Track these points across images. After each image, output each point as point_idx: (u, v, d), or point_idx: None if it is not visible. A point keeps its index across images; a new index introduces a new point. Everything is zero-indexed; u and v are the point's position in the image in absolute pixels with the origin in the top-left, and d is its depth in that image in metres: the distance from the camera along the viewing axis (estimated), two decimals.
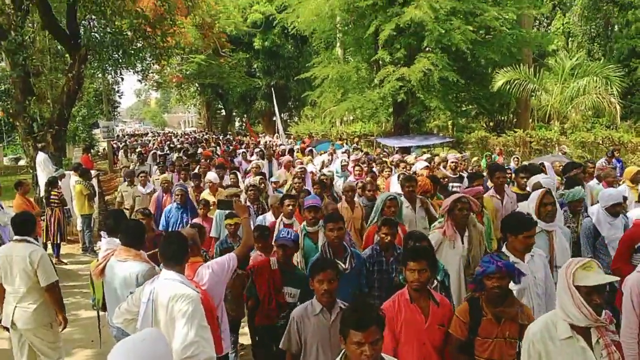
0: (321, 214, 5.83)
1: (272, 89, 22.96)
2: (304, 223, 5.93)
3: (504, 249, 4.59)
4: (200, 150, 21.10)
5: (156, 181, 11.88)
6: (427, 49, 20.18)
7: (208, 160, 14.52)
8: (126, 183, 11.39)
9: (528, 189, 7.49)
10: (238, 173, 11.59)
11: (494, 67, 22.77)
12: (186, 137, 41.74)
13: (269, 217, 7.51)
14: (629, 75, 24.83)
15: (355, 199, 8.15)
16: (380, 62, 21.98)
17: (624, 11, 27.36)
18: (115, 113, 38.34)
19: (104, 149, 32.57)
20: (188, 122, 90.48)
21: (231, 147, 22.15)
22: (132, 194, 10.90)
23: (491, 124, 30.45)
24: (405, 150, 20.19)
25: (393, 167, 12.40)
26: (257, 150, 18.02)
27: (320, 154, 16.97)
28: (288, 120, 46.39)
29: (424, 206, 7.11)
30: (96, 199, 12.73)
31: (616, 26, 30.32)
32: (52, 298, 5.21)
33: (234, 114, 52.09)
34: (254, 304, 5.14)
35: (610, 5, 29.79)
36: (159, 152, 20.02)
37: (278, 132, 23.41)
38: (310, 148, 18.83)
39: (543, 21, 38.12)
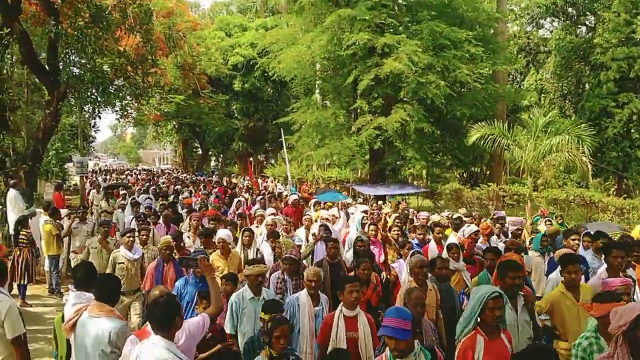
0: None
1: (281, 130, 20.89)
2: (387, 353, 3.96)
3: None
4: (186, 194, 18.31)
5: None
6: (404, 99, 20.65)
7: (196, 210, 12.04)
8: (97, 239, 9.14)
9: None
10: (254, 231, 9.29)
11: (469, 120, 23.32)
12: (168, 176, 37.21)
13: (303, 298, 5.70)
14: (600, 134, 25.55)
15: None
16: (359, 110, 22.35)
17: (595, 71, 28.32)
18: (90, 148, 37.90)
19: (75, 184, 31.95)
20: (163, 159, 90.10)
21: (226, 193, 19.06)
22: (113, 260, 8.07)
23: (465, 175, 30.93)
24: (380, 198, 20.37)
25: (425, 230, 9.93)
26: (259, 198, 15.54)
27: (326, 207, 14.15)
28: (264, 162, 46.51)
29: (529, 305, 5.10)
30: (66, 238, 12.46)
31: (587, 85, 31.32)
32: (18, 352, 5.02)
33: (210, 153, 52.09)
34: None
35: (582, 65, 30.84)
36: (142, 199, 15.93)
37: (285, 179, 18.70)
38: (315, 200, 16.02)
39: (517, 77, 39.29)
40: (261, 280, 5.84)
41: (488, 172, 29.13)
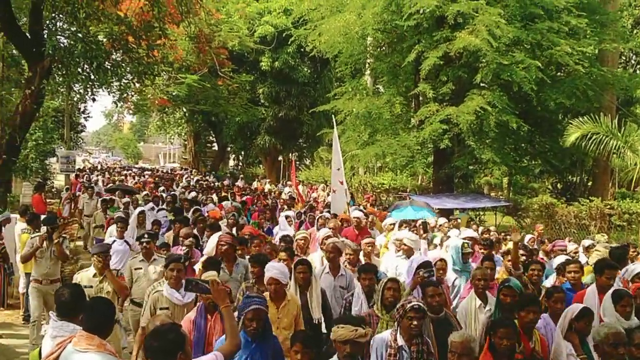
0: None
1: (332, 117, 18.29)
2: None
3: None
4: (211, 205, 17.70)
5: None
6: (482, 84, 20.34)
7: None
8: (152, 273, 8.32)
9: None
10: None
11: (567, 113, 22.82)
12: (180, 177, 37.13)
13: None
14: None
15: None
16: (421, 97, 22.14)
17: None
18: (79, 139, 38.61)
19: (51, 184, 32.12)
20: (169, 156, 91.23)
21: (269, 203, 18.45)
22: (152, 305, 6.96)
23: (559, 186, 30.37)
24: (447, 213, 20.08)
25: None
26: (309, 213, 14.60)
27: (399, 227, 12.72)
28: (297, 162, 46.56)
29: None
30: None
31: None
32: None
33: (229, 149, 52.27)
34: None
35: None
36: (148, 209, 15.13)
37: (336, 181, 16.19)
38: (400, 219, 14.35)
39: (632, 58, 38.40)
40: (355, 352, 4.93)
41: (590, 183, 28.54)
